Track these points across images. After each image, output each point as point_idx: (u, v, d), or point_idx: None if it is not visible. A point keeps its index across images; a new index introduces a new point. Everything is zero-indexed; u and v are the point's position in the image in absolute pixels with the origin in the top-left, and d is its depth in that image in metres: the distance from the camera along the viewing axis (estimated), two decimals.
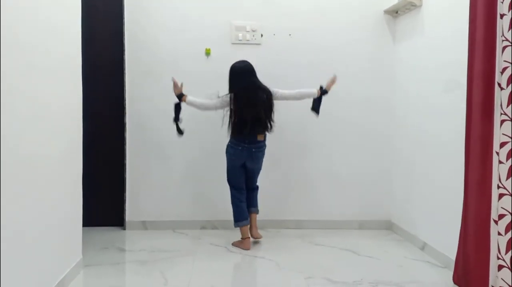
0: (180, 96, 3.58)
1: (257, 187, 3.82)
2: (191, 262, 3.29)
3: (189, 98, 3.56)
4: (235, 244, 3.71)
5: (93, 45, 3.99)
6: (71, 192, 2.90)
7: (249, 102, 3.51)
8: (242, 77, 3.56)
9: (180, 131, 3.61)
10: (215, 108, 3.58)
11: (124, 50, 4.06)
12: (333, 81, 3.75)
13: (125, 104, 4.08)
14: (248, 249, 3.61)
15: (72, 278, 2.87)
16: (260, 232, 3.86)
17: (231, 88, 3.57)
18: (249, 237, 3.66)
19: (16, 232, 2.10)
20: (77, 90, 3.02)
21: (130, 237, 3.93)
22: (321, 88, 3.72)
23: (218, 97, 3.56)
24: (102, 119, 4.13)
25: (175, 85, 3.58)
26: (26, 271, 2.24)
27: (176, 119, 3.59)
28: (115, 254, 3.48)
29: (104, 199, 4.17)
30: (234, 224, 3.67)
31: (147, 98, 4.10)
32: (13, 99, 2.06)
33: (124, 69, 4.06)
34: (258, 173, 3.76)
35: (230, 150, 3.61)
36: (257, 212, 3.79)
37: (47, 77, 2.49)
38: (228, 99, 3.53)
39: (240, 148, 3.57)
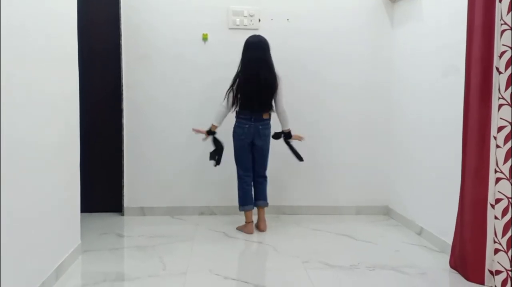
0: (210, 131, 3.61)
1: (265, 177, 3.78)
2: (190, 247, 3.30)
3: (215, 123, 3.59)
4: (239, 228, 3.73)
5: (89, 31, 3.96)
6: (69, 177, 2.90)
7: (253, 77, 3.51)
8: (251, 51, 3.56)
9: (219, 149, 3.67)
10: (231, 97, 3.56)
11: (121, 35, 4.02)
12: (299, 138, 3.75)
13: (122, 90, 4.06)
14: (251, 233, 3.64)
15: (71, 263, 2.88)
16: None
17: (241, 62, 3.58)
18: (252, 222, 3.68)
19: (14, 218, 2.10)
20: (74, 76, 2.99)
21: (128, 223, 3.94)
22: (287, 133, 3.72)
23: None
24: (99, 105, 4.11)
25: (200, 132, 3.63)
26: (25, 256, 2.24)
27: (218, 147, 3.65)
28: (113, 240, 3.49)
29: (102, 185, 4.17)
30: (239, 208, 3.69)
31: (144, 84, 4.08)
32: (9, 85, 2.04)
33: (121, 55, 4.04)
34: (267, 154, 3.73)
35: (238, 130, 3.61)
36: (265, 205, 3.75)
37: (43, 63, 2.46)
38: (235, 77, 3.55)
39: (247, 126, 3.58)
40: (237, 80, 3.54)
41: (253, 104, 3.56)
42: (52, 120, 2.61)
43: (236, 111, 3.63)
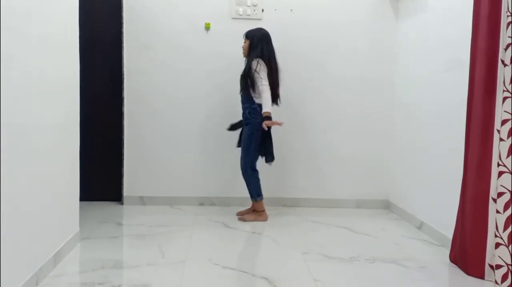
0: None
1: None
2: (189, 236, 3.29)
3: (268, 110, 3.52)
4: (251, 218, 3.73)
5: (91, 18, 3.94)
6: (68, 165, 2.88)
7: (277, 72, 3.63)
8: (271, 45, 3.64)
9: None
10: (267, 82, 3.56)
11: (122, 23, 4.00)
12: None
13: (123, 79, 4.03)
14: (267, 220, 3.73)
15: (69, 250, 2.87)
16: None
17: (263, 54, 3.59)
18: (265, 210, 3.75)
19: (13, 204, 2.08)
20: (74, 63, 2.97)
21: (128, 212, 3.93)
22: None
23: (255, 70, 3.52)
24: (100, 93, 4.10)
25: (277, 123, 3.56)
26: (24, 242, 2.23)
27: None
28: (112, 228, 3.49)
29: (102, 174, 4.16)
30: (257, 198, 3.71)
31: (146, 72, 4.05)
32: (9, 69, 2.01)
33: (122, 43, 4.01)
34: None
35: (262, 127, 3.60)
36: None
37: (43, 48, 2.44)
38: (264, 65, 3.55)
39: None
40: (269, 75, 3.56)
41: (277, 95, 3.66)
42: (52, 106, 2.58)
43: (259, 104, 3.58)
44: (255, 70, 3.51)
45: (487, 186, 2.60)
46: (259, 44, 3.59)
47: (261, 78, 3.50)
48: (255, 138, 3.62)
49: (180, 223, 3.63)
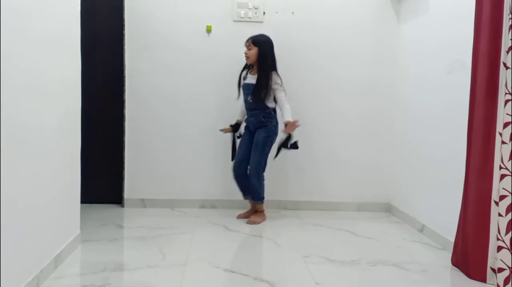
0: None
1: None
2: (190, 239, 3.28)
3: (290, 116, 3.55)
4: (259, 219, 3.75)
5: (92, 19, 3.93)
6: (68, 165, 2.87)
7: None
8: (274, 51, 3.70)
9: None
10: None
11: (124, 25, 4.00)
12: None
13: (125, 80, 4.03)
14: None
15: (70, 253, 2.87)
16: None
17: (274, 65, 3.66)
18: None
19: (14, 205, 2.08)
20: (76, 63, 2.97)
21: (128, 214, 3.92)
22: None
23: (277, 83, 3.60)
24: (101, 94, 4.09)
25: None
26: (25, 243, 2.22)
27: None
28: (113, 230, 3.48)
29: (103, 176, 4.15)
30: (262, 200, 3.75)
31: (147, 74, 4.05)
32: (9, 70, 2.01)
33: (124, 44, 4.01)
34: None
35: (277, 128, 3.69)
36: None
37: (44, 48, 2.43)
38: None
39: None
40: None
41: None
42: (52, 106, 2.57)
43: (273, 108, 3.68)
44: (279, 84, 3.60)
45: (489, 189, 2.59)
46: (268, 53, 3.60)
47: (283, 91, 3.61)
48: (270, 141, 3.66)
49: (181, 225, 3.62)
